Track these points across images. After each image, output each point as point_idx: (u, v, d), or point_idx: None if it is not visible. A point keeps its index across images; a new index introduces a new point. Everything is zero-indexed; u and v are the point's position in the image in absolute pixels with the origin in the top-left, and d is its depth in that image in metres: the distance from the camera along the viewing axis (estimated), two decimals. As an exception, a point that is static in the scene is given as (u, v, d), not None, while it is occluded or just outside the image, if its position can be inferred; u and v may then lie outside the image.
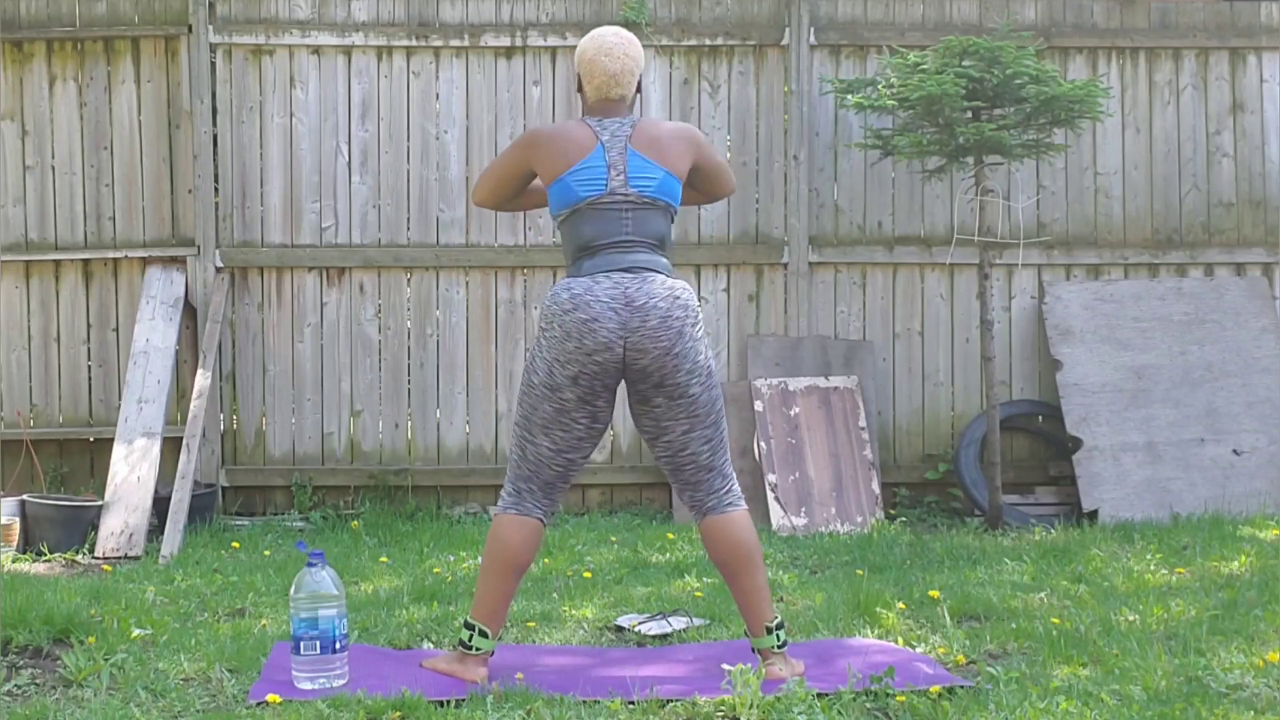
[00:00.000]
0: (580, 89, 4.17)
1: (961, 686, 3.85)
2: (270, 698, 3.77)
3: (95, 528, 6.37)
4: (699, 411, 4.00)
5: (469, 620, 4.05)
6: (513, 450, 4.10)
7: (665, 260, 4.09)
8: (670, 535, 6.36)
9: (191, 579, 5.57)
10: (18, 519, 6.31)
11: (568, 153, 4.03)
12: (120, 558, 6.21)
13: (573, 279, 4.00)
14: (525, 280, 7.36)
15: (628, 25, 7.29)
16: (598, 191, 4.01)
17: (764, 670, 3.86)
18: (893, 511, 7.19)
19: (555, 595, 5.16)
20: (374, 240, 7.33)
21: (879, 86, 6.86)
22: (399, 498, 7.22)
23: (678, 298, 3.98)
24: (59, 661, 4.13)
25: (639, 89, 4.17)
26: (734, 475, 4.12)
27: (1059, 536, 6.30)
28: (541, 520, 4.07)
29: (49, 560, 6.18)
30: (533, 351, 4.04)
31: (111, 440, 6.76)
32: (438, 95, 7.39)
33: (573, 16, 7.36)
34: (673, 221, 4.19)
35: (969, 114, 6.71)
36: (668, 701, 3.75)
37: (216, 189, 7.30)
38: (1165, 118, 7.56)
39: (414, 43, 7.31)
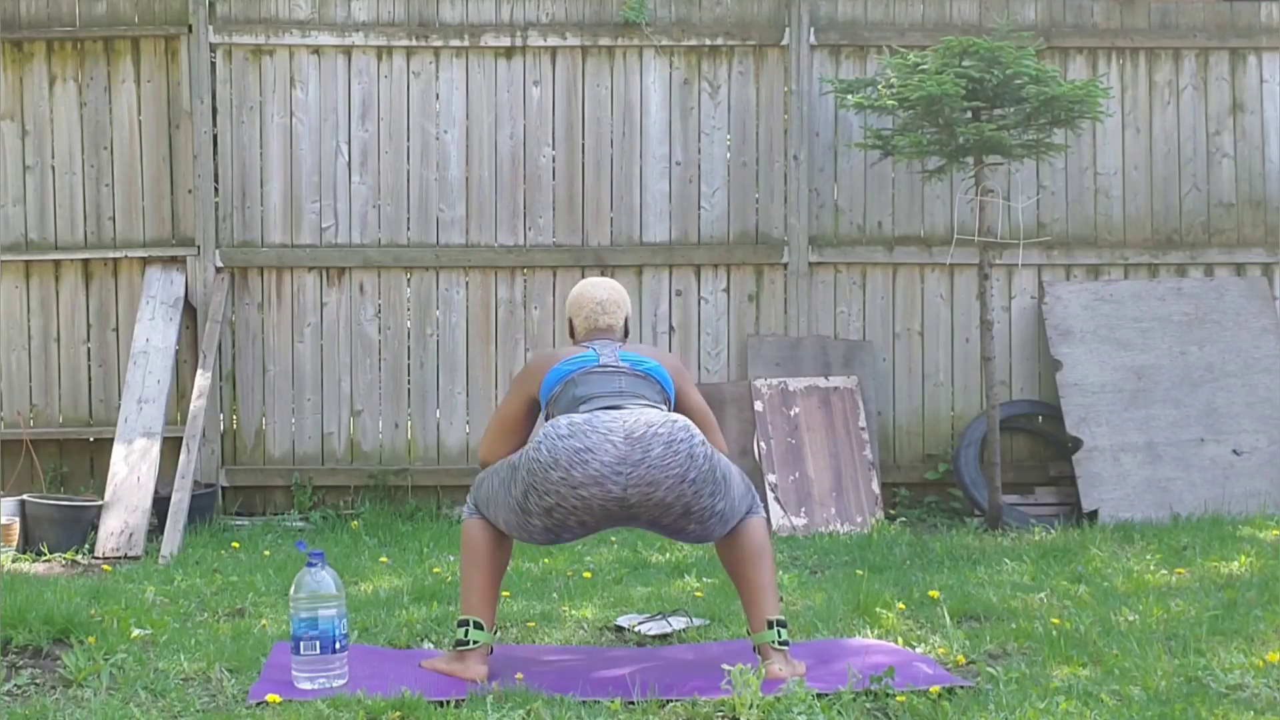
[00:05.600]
0: (571, 332, 4.27)
1: (961, 686, 3.85)
2: (270, 698, 3.77)
3: (95, 528, 6.37)
4: (728, 515, 3.98)
5: (460, 618, 4.06)
6: (476, 488, 4.12)
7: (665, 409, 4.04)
8: (670, 535, 6.36)
9: (191, 579, 5.56)
10: (18, 519, 6.31)
11: (559, 354, 4.13)
12: (120, 558, 6.21)
13: (573, 413, 3.93)
14: (525, 280, 7.36)
15: (627, 25, 7.30)
16: (589, 364, 4.05)
17: (764, 669, 3.86)
18: (893, 511, 7.19)
19: (555, 595, 5.16)
20: (374, 240, 7.33)
21: (879, 86, 6.86)
22: (399, 498, 7.22)
23: (675, 421, 3.87)
24: (59, 661, 4.13)
25: (626, 333, 4.26)
26: (744, 486, 4.11)
27: (1059, 536, 6.29)
28: None
29: (49, 560, 6.18)
30: (516, 461, 3.95)
31: (111, 440, 6.76)
32: (438, 95, 7.39)
33: (573, 16, 7.36)
34: (668, 406, 4.10)
35: (969, 114, 6.71)
36: (668, 701, 3.74)
37: (216, 189, 7.30)
38: (1165, 118, 7.56)
39: (414, 43, 7.32)
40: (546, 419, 4.06)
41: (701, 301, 7.37)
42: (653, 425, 3.83)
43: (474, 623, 4.02)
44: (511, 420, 4.20)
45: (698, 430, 3.91)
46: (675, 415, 3.93)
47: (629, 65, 7.39)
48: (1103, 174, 7.53)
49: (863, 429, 7.10)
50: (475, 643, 4.02)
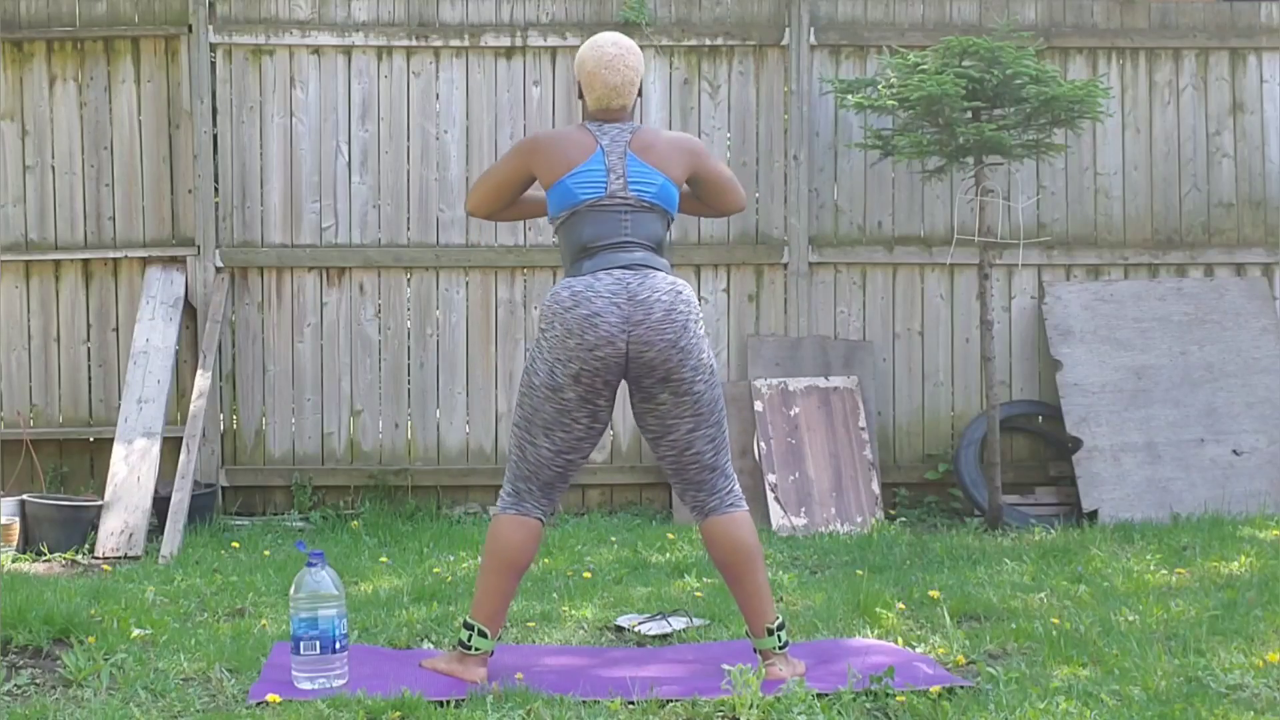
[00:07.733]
0: (581, 96, 4.21)
1: (961, 686, 3.85)
2: (270, 698, 3.77)
3: (95, 528, 6.36)
4: (703, 410, 4.02)
5: (468, 620, 4.05)
6: (512, 450, 4.10)
7: (664, 260, 4.12)
8: (670, 535, 6.37)
9: (191, 579, 5.57)
10: (18, 519, 6.31)
11: (568, 155, 4.07)
12: (120, 558, 6.21)
13: (573, 278, 4.03)
14: (525, 280, 7.37)
15: (627, 25, 7.30)
16: (597, 194, 4.04)
17: (764, 670, 3.87)
18: (893, 512, 7.19)
19: (555, 595, 5.16)
20: (374, 240, 7.33)
21: (879, 86, 6.86)
22: (399, 498, 7.22)
23: (680, 293, 4.02)
24: (59, 661, 4.13)
25: (639, 93, 4.21)
26: (734, 475, 4.14)
27: (1059, 537, 6.30)
28: (541, 520, 4.08)
29: (49, 560, 6.18)
30: (532, 353, 4.06)
31: (111, 440, 6.76)
32: (438, 95, 7.39)
33: (573, 16, 7.36)
34: (669, 227, 4.23)
35: (969, 114, 6.71)
36: (668, 701, 3.75)
37: (216, 189, 7.30)
38: (1165, 118, 7.56)
39: (414, 43, 7.32)
40: (555, 231, 4.13)
41: (701, 301, 7.37)
42: (656, 291, 3.95)
43: (480, 630, 4.02)
44: (506, 186, 4.20)
45: (694, 303, 4.03)
46: (677, 284, 4.00)
47: (629, 65, 7.38)
48: (1103, 174, 7.53)
49: (863, 429, 7.10)
50: (478, 650, 4.02)
